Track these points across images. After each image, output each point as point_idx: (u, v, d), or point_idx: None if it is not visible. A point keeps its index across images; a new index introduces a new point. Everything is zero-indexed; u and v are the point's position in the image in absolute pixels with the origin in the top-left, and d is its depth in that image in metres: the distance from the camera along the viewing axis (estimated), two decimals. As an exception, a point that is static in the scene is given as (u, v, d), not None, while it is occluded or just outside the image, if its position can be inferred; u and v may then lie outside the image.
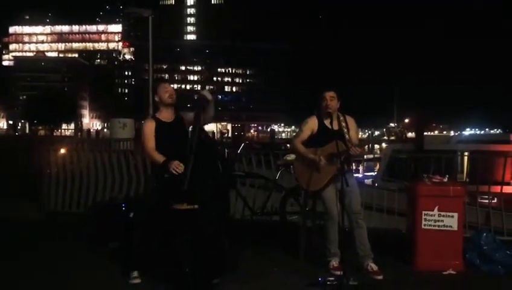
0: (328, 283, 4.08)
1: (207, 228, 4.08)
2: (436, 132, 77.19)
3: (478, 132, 55.73)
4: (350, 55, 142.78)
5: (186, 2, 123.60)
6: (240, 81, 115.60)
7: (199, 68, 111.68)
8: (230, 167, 6.28)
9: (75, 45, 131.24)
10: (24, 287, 4.23)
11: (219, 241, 4.25)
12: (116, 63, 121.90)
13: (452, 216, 4.61)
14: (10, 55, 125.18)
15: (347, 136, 4.57)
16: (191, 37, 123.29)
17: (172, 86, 4.63)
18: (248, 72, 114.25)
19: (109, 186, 7.58)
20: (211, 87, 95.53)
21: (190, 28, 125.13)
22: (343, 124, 4.64)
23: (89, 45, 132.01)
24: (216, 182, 4.18)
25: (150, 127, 4.31)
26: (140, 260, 4.28)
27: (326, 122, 4.63)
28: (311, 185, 4.62)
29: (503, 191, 6.69)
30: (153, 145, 4.27)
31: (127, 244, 5.06)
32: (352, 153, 4.40)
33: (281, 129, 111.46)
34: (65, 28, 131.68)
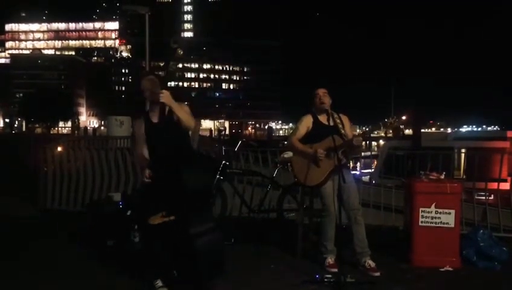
0: (326, 280, 4.08)
1: (188, 237, 3.70)
2: (433, 129, 77.31)
3: (475, 129, 55.77)
4: (349, 52, 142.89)
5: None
6: (237, 78, 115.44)
7: (196, 66, 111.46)
8: (227, 165, 6.25)
9: (72, 43, 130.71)
10: (20, 285, 4.21)
11: (214, 244, 3.87)
12: (113, 60, 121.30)
13: (449, 213, 4.62)
14: (6, 53, 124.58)
15: (343, 132, 4.59)
16: (188, 34, 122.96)
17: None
18: (245, 70, 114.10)
19: (106, 184, 7.57)
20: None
21: (187, 26, 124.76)
22: (338, 121, 4.66)
23: (86, 43, 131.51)
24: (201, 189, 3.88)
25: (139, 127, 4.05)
26: (156, 265, 3.95)
27: (322, 119, 4.67)
28: (309, 180, 4.62)
29: (500, 188, 6.72)
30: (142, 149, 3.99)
31: (124, 242, 5.07)
32: (355, 143, 4.40)
33: (278, 126, 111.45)
34: (62, 26, 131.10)
